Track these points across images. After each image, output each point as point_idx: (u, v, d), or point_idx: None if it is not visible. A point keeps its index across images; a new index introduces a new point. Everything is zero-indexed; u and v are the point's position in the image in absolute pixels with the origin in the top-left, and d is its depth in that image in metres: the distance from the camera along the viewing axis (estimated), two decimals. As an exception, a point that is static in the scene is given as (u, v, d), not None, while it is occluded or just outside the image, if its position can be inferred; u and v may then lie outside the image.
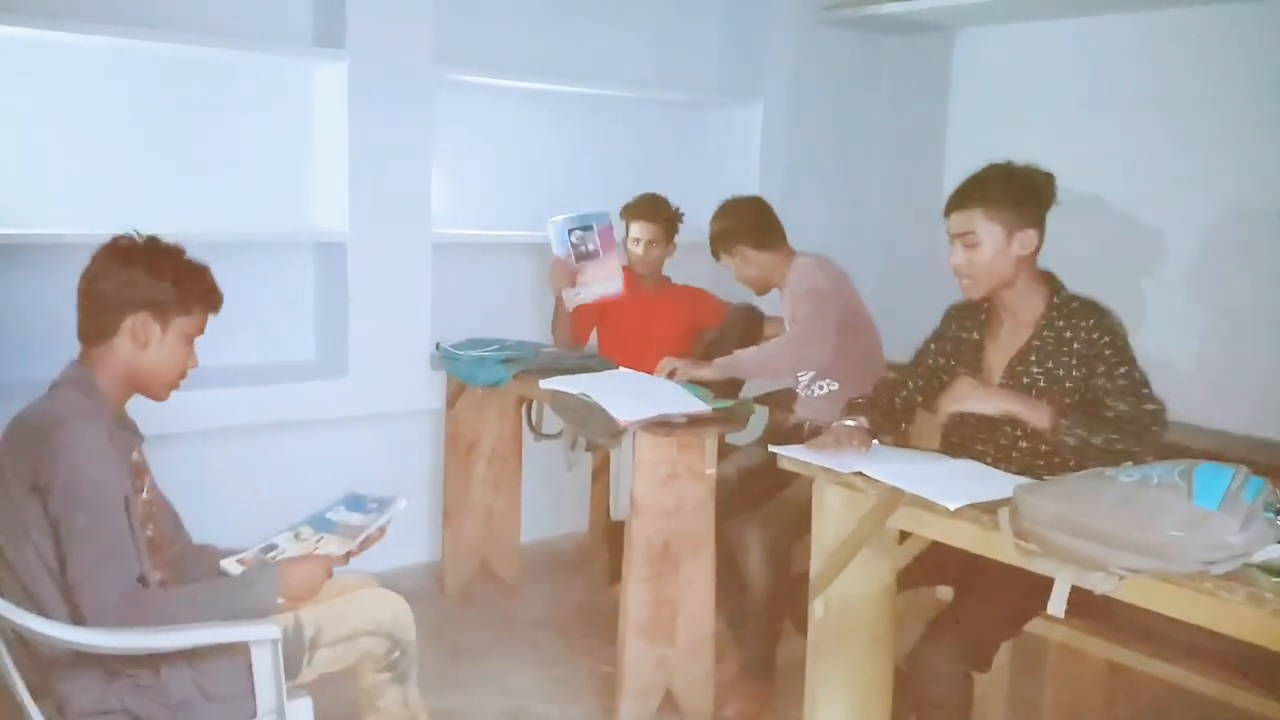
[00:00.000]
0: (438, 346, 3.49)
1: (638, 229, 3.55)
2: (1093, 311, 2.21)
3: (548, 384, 2.96)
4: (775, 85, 4.18)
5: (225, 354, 3.19)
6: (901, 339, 2.81)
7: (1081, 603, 1.78)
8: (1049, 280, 2.30)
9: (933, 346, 2.49)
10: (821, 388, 3.14)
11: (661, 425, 2.68)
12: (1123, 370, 2.15)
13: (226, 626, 1.84)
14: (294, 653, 1.96)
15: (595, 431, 2.75)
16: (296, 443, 3.41)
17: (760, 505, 2.95)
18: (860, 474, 2.10)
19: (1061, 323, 2.23)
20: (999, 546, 1.88)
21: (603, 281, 3.48)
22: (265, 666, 1.86)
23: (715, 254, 3.25)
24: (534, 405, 3.55)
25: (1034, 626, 2.28)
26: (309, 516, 2.17)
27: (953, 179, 2.33)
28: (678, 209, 3.59)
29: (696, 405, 2.77)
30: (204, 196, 3.26)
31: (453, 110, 3.62)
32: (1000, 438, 2.30)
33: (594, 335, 3.69)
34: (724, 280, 3.58)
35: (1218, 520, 1.60)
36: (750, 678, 2.93)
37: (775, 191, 3.90)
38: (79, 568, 1.78)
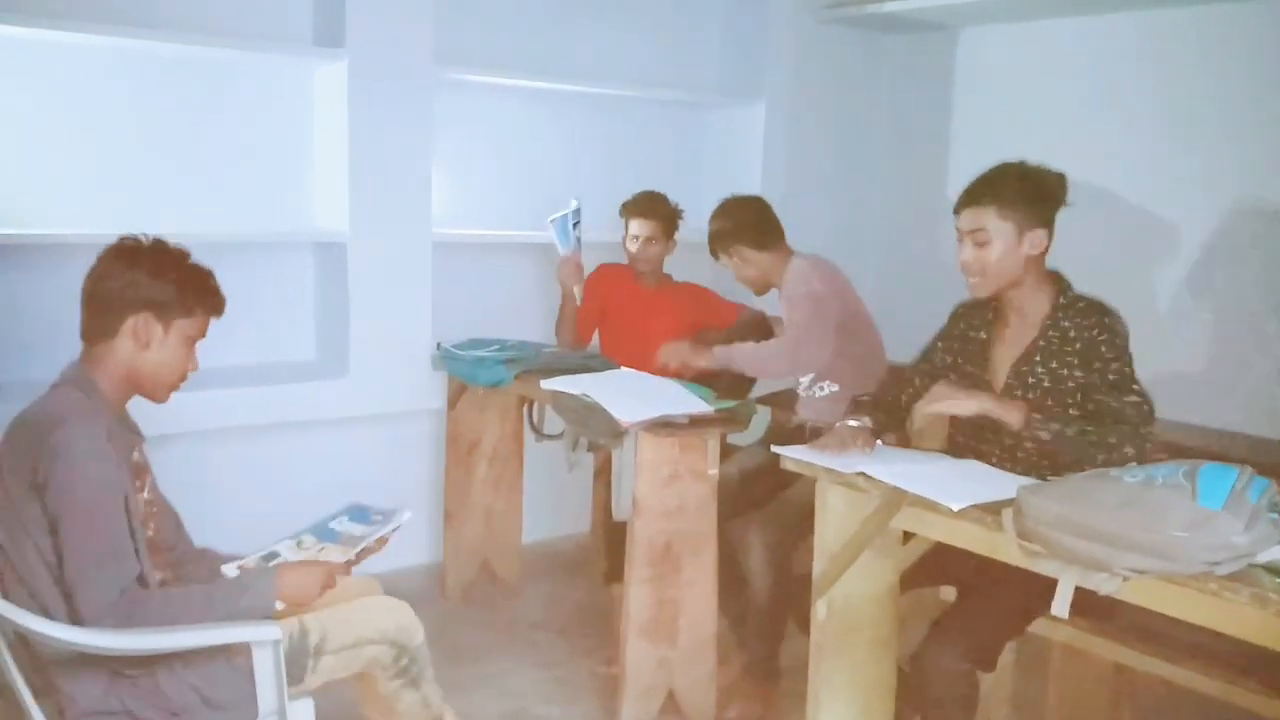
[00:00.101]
0: (439, 346, 3.48)
1: (636, 225, 3.53)
2: (1096, 311, 2.21)
3: (549, 384, 2.95)
4: (776, 84, 4.17)
5: (225, 354, 3.19)
6: (902, 339, 2.80)
7: (1085, 603, 1.78)
8: (1056, 280, 2.29)
9: (940, 345, 2.47)
10: (822, 389, 3.13)
11: (663, 426, 2.68)
12: (1114, 366, 2.14)
13: (228, 627, 1.83)
14: (298, 659, 1.95)
15: (597, 432, 2.75)
16: (297, 443, 3.41)
17: (762, 506, 2.94)
18: (863, 474, 2.10)
19: (1066, 323, 2.22)
20: (1003, 547, 1.87)
21: None
22: (267, 668, 1.85)
23: (714, 253, 3.22)
24: (535, 405, 3.54)
25: (1038, 627, 2.27)
26: (312, 525, 2.16)
27: (954, 178, 2.33)
28: (677, 205, 3.57)
29: (698, 406, 2.77)
30: (204, 196, 3.25)
31: (453, 110, 3.62)
32: (1005, 438, 2.29)
33: (595, 336, 3.68)
34: (724, 280, 3.57)
35: (1222, 521, 1.60)
36: (753, 679, 2.92)
37: (776, 191, 3.90)
38: (77, 567, 1.78)
